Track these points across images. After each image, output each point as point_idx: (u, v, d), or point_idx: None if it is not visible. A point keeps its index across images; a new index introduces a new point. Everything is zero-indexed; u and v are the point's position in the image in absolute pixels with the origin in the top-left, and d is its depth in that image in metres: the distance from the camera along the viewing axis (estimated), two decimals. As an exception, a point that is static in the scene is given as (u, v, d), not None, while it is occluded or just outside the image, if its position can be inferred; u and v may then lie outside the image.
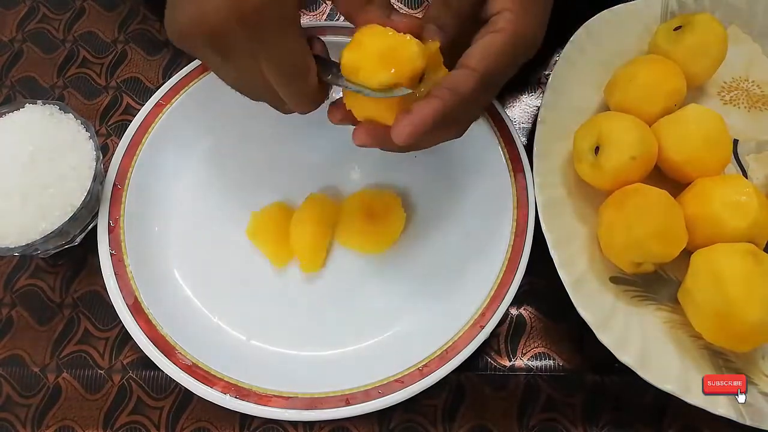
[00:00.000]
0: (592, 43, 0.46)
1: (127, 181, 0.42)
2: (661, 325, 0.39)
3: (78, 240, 0.42)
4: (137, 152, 0.43)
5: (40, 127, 0.40)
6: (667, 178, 0.42)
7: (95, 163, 0.40)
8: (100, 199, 0.42)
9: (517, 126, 0.48)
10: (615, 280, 0.41)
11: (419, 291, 0.42)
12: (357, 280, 0.43)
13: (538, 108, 0.44)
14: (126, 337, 0.41)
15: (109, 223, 0.41)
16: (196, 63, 0.46)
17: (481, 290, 0.40)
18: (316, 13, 0.54)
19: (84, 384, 0.41)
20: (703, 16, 0.43)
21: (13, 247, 0.38)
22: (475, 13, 0.33)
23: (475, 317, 0.39)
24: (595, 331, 0.37)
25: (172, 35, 0.32)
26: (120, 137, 0.44)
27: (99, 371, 0.41)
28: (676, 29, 0.44)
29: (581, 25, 0.46)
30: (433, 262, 0.43)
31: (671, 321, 0.40)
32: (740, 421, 0.36)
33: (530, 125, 0.49)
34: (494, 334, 0.41)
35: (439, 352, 0.38)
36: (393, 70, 0.30)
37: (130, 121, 0.44)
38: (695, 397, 0.36)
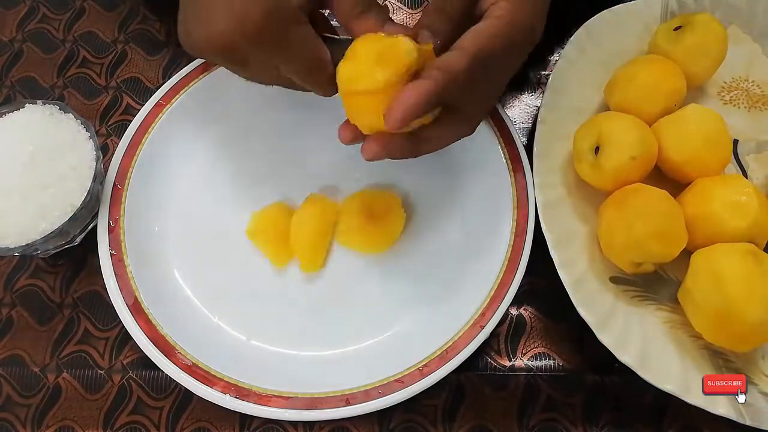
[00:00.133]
0: (592, 43, 0.46)
1: (127, 181, 0.42)
2: (661, 325, 0.39)
3: (78, 240, 0.42)
4: (137, 152, 0.43)
5: (40, 127, 0.40)
6: (667, 178, 0.42)
7: (95, 163, 0.40)
8: (100, 199, 0.42)
9: (517, 126, 0.48)
10: (615, 280, 0.41)
11: (419, 291, 0.42)
12: (357, 280, 0.43)
13: (538, 108, 0.44)
14: (126, 337, 0.41)
15: (109, 223, 0.41)
16: (196, 63, 0.46)
17: (481, 290, 0.40)
18: (316, 13, 0.54)
19: (84, 384, 0.41)
20: (703, 16, 0.43)
21: (13, 247, 0.38)
22: (468, 13, 0.33)
23: (475, 317, 0.39)
24: (595, 331, 0.37)
25: (186, 48, 0.33)
26: (120, 137, 0.44)
27: (99, 371, 0.41)
28: (676, 29, 0.44)
29: (581, 25, 0.46)
30: (433, 262, 0.43)
31: (671, 321, 0.40)
32: (740, 421, 0.36)
33: (530, 125, 0.49)
34: (494, 334, 0.41)
35: (439, 352, 0.38)
36: (389, 65, 0.30)
37: (130, 121, 0.44)
38: (695, 397, 0.36)
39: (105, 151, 0.47)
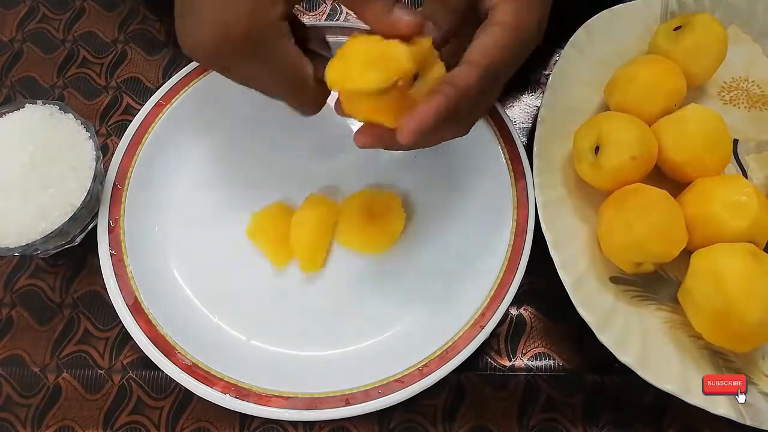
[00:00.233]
0: (592, 43, 0.46)
1: (127, 181, 0.42)
2: (661, 325, 0.39)
3: (78, 240, 0.42)
4: (137, 152, 0.43)
5: (40, 127, 0.40)
6: (667, 178, 0.42)
7: (95, 163, 0.40)
8: (100, 199, 0.42)
9: (517, 126, 0.48)
10: (615, 280, 0.41)
11: (419, 291, 0.42)
12: (357, 279, 0.43)
13: (538, 108, 0.44)
14: (126, 337, 0.41)
15: (109, 223, 0.41)
16: (196, 63, 0.46)
17: (481, 290, 0.40)
18: (315, 12, 0.54)
19: (84, 384, 0.41)
20: (703, 16, 0.43)
21: (13, 247, 0.38)
22: (472, 4, 0.33)
23: (475, 317, 0.39)
24: (595, 331, 0.37)
25: (183, 50, 0.33)
26: (120, 137, 0.44)
27: (99, 371, 0.41)
28: (676, 29, 0.44)
29: (581, 25, 0.46)
30: (433, 261, 0.43)
31: (671, 321, 0.40)
32: (740, 421, 0.36)
33: (530, 125, 0.49)
34: (494, 334, 0.41)
35: (439, 352, 0.38)
36: (381, 69, 0.30)
37: (130, 121, 0.44)
38: (695, 397, 0.36)
39: (105, 151, 0.47)
